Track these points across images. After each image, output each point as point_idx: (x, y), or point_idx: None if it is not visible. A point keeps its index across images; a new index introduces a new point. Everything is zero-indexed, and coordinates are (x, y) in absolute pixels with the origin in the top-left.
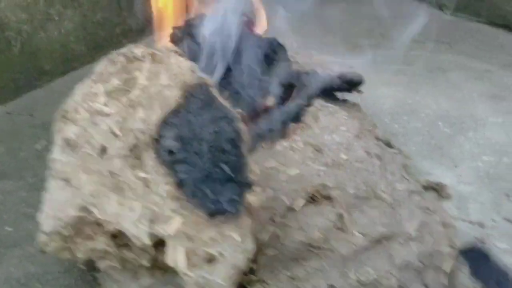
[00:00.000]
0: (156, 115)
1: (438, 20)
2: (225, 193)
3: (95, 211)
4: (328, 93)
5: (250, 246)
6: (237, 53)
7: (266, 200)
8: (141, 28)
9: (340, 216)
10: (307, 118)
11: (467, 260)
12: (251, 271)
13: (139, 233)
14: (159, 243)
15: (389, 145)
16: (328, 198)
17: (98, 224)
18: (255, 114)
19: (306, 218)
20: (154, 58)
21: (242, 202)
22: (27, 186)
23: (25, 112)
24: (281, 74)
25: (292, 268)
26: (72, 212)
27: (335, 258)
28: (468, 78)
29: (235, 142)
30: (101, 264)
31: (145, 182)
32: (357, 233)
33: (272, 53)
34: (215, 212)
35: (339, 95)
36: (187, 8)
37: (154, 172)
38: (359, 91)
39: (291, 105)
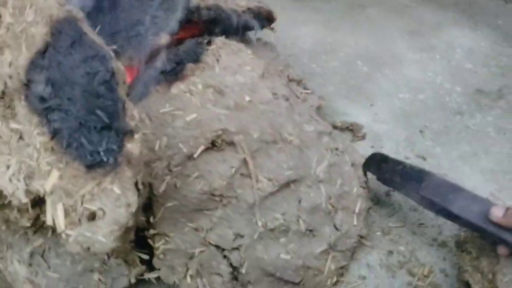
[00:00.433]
0: (24, 56)
1: None
2: (102, 142)
3: None
4: (236, 31)
5: (131, 199)
6: None
7: (159, 148)
8: None
9: (244, 162)
10: (208, 57)
11: (370, 169)
12: (150, 224)
13: (15, 191)
14: (42, 201)
15: (302, 85)
16: (231, 143)
17: None
18: (146, 54)
19: (207, 166)
20: None
21: (121, 151)
22: None
23: None
24: (178, 8)
25: (196, 219)
26: None
27: (241, 205)
28: (387, 14)
29: (110, 84)
30: None
31: (19, 134)
32: (263, 179)
33: None
34: (93, 164)
35: (252, 34)
36: None
37: (27, 122)
38: (271, 29)
39: (189, 43)
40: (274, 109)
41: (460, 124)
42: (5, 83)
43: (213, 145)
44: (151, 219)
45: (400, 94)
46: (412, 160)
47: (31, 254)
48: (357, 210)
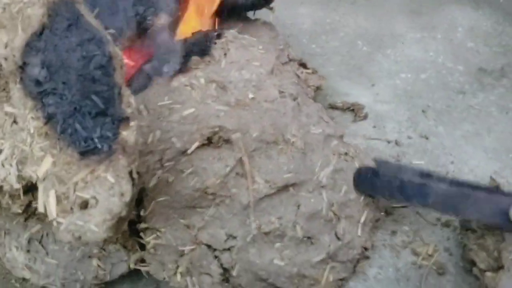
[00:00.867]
0: (19, 38)
1: None
2: (97, 128)
3: None
4: (236, 11)
5: (125, 188)
6: None
7: (152, 142)
8: None
9: (240, 161)
10: (216, 51)
11: (362, 190)
12: (140, 217)
13: (7, 176)
14: (34, 187)
15: (303, 65)
16: (228, 141)
17: None
18: (142, 35)
19: (201, 163)
20: None
21: (116, 138)
22: None
23: None
24: None
25: (188, 216)
26: None
27: (235, 206)
28: None
29: (106, 69)
30: None
31: (13, 118)
32: (260, 180)
33: None
34: (87, 151)
35: (251, 14)
36: None
37: (21, 106)
38: (270, 9)
39: (197, 35)
40: (279, 108)
41: (463, 103)
42: (0, 65)
43: (209, 142)
44: (142, 212)
45: (401, 74)
46: (415, 140)
47: (29, 241)
48: (362, 220)
